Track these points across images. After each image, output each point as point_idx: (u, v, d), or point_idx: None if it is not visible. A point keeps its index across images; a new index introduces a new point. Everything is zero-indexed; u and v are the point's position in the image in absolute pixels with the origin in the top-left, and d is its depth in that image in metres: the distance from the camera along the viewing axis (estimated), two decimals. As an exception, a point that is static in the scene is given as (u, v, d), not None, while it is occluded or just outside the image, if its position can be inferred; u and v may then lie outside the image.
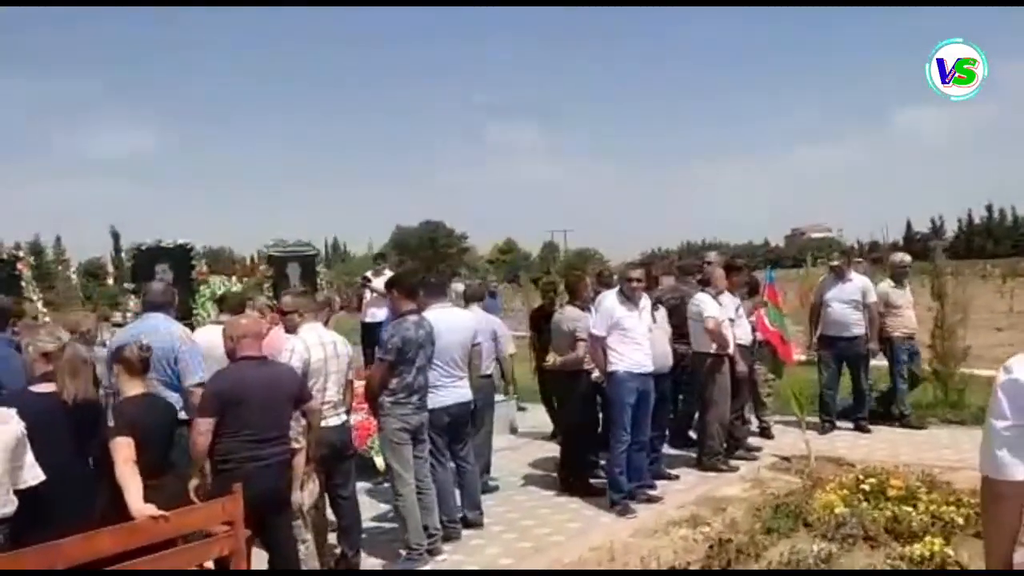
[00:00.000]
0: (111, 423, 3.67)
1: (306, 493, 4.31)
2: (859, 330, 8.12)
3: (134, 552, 3.31)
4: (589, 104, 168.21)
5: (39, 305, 7.46)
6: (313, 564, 4.35)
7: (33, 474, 3.34)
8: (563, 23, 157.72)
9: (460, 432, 5.66)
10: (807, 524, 5.22)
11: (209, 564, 3.80)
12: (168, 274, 8.28)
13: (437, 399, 5.40)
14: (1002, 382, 1.94)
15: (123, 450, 3.55)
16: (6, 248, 8.07)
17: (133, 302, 8.06)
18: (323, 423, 4.65)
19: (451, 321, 5.62)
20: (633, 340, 5.95)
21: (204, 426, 3.87)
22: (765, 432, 8.09)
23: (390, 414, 5.05)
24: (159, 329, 4.80)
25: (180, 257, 8.44)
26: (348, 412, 5.01)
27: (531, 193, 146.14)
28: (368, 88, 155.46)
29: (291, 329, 4.90)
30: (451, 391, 5.52)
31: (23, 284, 7.28)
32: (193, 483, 3.92)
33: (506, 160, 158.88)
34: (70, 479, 3.52)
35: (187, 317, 7.82)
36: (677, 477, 6.80)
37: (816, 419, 8.19)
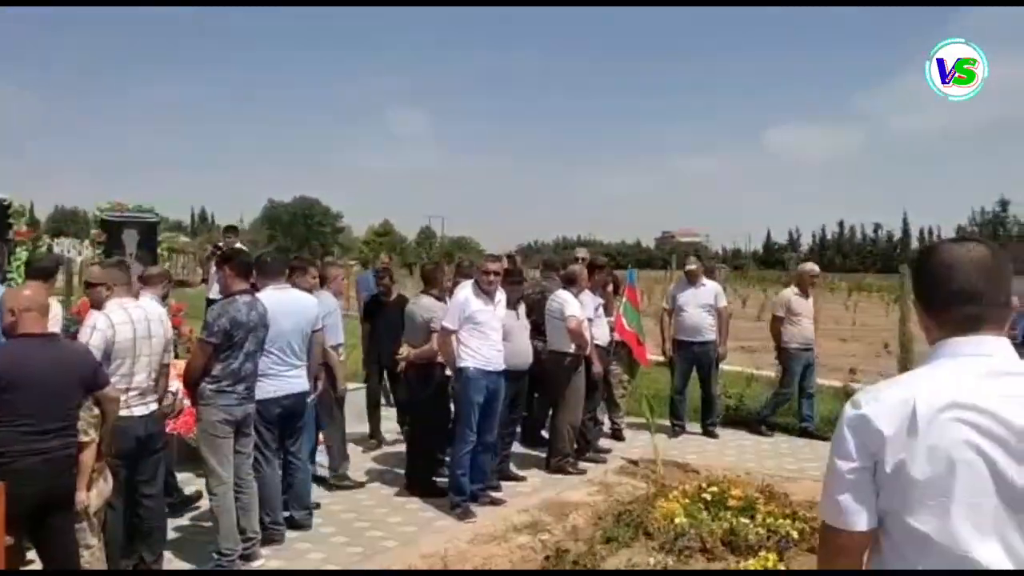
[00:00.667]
0: None
1: (94, 493, 3.76)
2: (711, 335, 8.17)
3: None
4: (477, 96, 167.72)
5: None
6: (98, 565, 3.82)
7: None
8: (464, 15, 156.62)
9: (292, 425, 5.23)
10: (648, 534, 5.11)
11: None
12: (-21, 232, 7.37)
13: (268, 388, 4.96)
14: (849, 417, 1.73)
15: None
16: None
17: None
18: (129, 412, 4.13)
19: (290, 304, 5.17)
20: (485, 336, 5.68)
21: (-34, 413, 3.29)
22: (617, 434, 8.05)
23: (211, 403, 4.54)
24: None
25: (-8, 214, 7.52)
26: (160, 400, 4.47)
27: (412, 178, 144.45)
28: (254, 53, 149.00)
29: (97, 304, 4.32)
30: (284, 381, 5.08)
31: None
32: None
33: (389, 143, 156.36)
34: None
35: (-1, 281, 6.95)
36: (524, 478, 6.60)
37: (668, 423, 8.22)
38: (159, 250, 8.90)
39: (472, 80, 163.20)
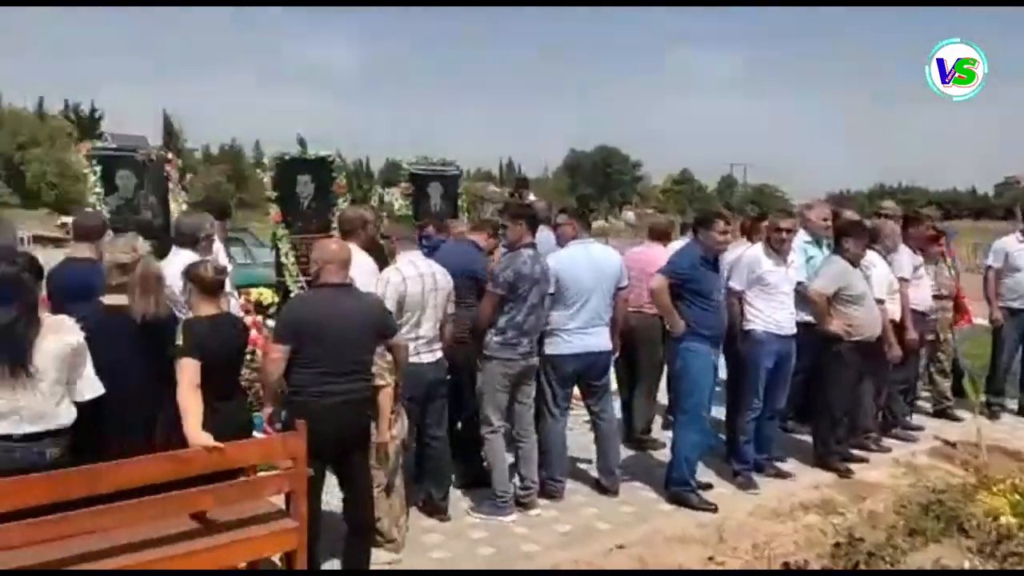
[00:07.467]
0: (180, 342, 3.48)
1: (393, 432, 4.04)
2: None
3: (189, 480, 3.16)
4: (782, 33, 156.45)
5: (183, 206, 7.56)
6: (396, 501, 4.11)
7: (92, 387, 3.21)
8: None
9: (592, 384, 5.12)
10: (963, 531, 4.46)
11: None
12: (309, 186, 8.21)
13: (563, 345, 4.89)
14: None
15: (187, 372, 3.36)
16: (154, 150, 8.23)
17: (274, 210, 8.05)
18: (418, 359, 4.37)
19: (590, 260, 4.98)
20: (774, 298, 5.25)
21: (276, 353, 3.65)
22: (944, 412, 7.10)
23: (495, 356, 4.68)
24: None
25: (321, 169, 8.34)
26: (444, 349, 4.67)
27: (711, 123, 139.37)
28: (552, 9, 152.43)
29: (390, 254, 4.59)
30: (580, 337, 4.90)
31: (170, 185, 7.43)
32: (267, 411, 3.75)
33: (688, 88, 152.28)
34: (133, 396, 3.37)
35: (326, 230, 7.77)
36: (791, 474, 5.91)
37: (999, 402, 7.12)
38: (459, 202, 9.38)
39: (774, 15, 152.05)
